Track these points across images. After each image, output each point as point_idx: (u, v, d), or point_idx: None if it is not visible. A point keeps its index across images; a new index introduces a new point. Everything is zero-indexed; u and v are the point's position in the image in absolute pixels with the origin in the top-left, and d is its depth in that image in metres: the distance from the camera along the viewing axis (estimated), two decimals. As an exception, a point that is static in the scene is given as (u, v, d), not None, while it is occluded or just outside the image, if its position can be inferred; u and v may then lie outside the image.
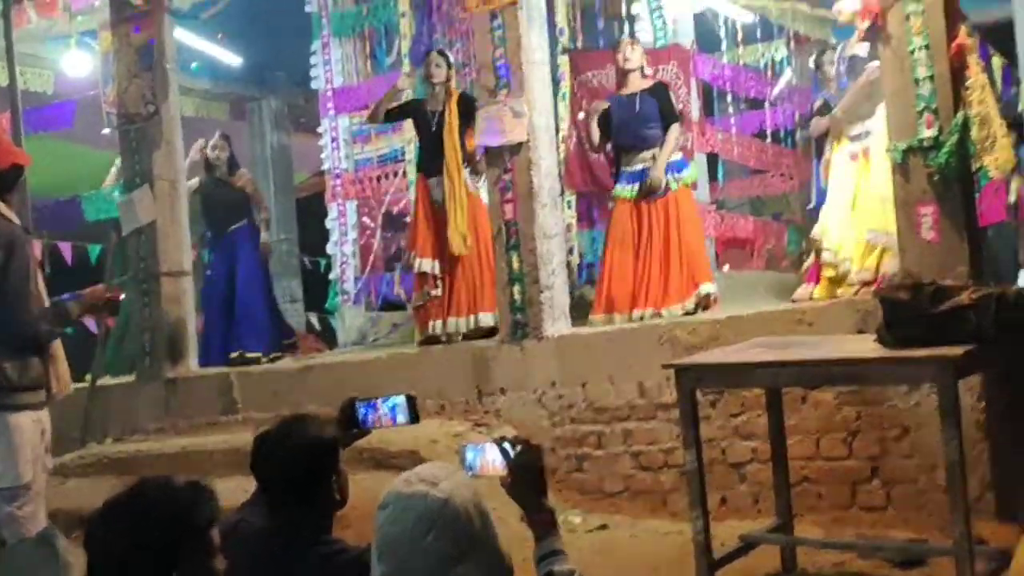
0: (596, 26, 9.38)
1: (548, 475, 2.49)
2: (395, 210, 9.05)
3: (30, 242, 4.46)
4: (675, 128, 6.76)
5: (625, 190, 6.71)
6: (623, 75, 6.91)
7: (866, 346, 4.33)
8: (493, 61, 6.55)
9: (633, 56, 6.86)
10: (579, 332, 6.50)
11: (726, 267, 8.62)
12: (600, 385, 6.14)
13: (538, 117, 6.50)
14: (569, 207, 7.82)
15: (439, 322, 6.99)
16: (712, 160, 8.89)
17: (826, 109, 6.88)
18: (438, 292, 6.98)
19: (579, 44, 8.61)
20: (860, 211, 6.18)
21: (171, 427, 7.50)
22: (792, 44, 9.59)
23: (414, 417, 3.21)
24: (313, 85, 9.53)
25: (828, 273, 6.23)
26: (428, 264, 7.01)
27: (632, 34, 7.99)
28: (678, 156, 6.76)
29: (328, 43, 9.35)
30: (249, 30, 10.47)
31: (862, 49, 6.15)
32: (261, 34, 10.62)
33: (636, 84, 6.86)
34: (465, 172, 6.95)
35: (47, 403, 4.44)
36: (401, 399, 3.22)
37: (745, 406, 5.62)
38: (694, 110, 7.55)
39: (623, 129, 6.78)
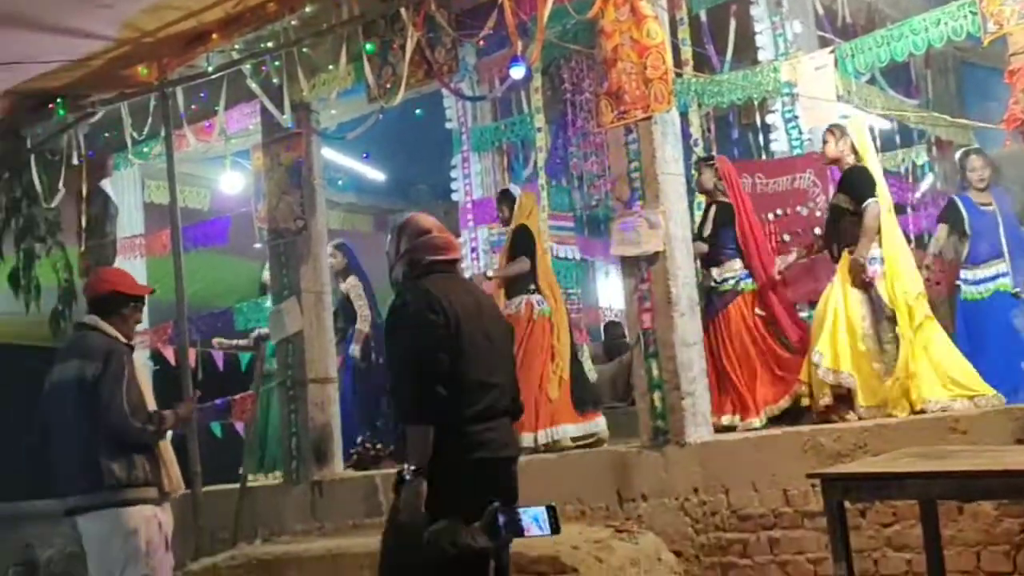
0: (730, 136, 9.47)
1: None
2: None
3: (130, 356, 4.95)
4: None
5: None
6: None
7: (1026, 456, 4.18)
8: (628, 173, 6.58)
9: None
10: (722, 438, 6.44)
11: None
12: (744, 492, 6.05)
13: (675, 227, 6.51)
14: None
15: (529, 435, 7.08)
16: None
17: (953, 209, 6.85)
18: None
19: (713, 154, 8.67)
20: None
21: (317, 529, 7.67)
22: (934, 149, 9.48)
23: (555, 528, 3.19)
24: (454, 197, 9.80)
25: None
26: None
27: (767, 144, 8.03)
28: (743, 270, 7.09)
29: (468, 157, 9.67)
30: (392, 147, 10.87)
31: None
32: (404, 151, 11.01)
33: None
34: (531, 296, 7.36)
35: (161, 501, 4.86)
36: (542, 510, 3.20)
37: (897, 516, 5.46)
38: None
39: None
